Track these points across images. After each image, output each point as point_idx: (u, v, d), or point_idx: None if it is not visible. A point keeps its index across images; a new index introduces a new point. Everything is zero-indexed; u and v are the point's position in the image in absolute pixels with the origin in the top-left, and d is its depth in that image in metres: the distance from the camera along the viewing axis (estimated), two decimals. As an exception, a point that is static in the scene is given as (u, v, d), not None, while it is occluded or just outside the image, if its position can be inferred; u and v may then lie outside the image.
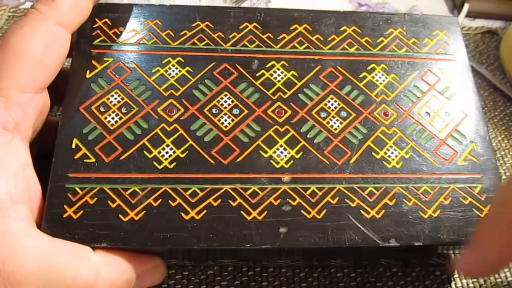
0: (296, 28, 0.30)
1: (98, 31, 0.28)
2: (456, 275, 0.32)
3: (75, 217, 0.23)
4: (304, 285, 0.30)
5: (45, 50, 0.24)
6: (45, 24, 0.25)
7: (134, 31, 0.29)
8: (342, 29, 0.30)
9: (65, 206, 0.24)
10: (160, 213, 0.24)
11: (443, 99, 0.28)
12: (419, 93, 0.28)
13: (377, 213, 0.25)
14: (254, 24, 0.30)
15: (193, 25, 0.29)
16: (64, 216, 0.23)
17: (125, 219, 0.24)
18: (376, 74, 0.29)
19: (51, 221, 0.23)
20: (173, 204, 0.24)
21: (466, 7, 0.45)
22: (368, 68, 0.29)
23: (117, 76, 0.27)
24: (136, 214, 0.24)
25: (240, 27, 0.30)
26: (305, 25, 0.30)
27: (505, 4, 0.45)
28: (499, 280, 0.32)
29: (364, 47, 0.30)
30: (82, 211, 0.24)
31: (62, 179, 0.24)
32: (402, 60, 0.29)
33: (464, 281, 0.32)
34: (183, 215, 0.24)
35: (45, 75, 0.25)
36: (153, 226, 0.24)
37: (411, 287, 0.31)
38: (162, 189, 0.24)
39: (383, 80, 0.29)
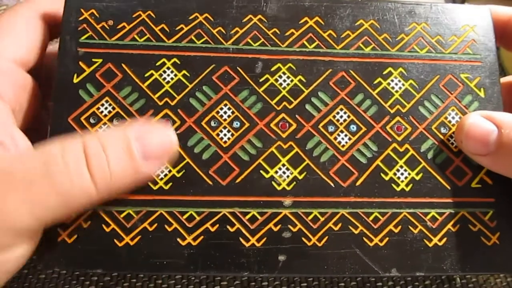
0: (306, 22, 0.27)
1: (85, 25, 0.25)
2: (455, 275, 0.32)
3: (69, 241, 0.23)
4: (304, 285, 0.30)
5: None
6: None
7: (124, 25, 0.26)
8: (358, 23, 0.27)
9: (59, 230, 0.23)
10: (156, 239, 0.23)
11: (464, 111, 0.26)
12: (438, 104, 0.26)
13: (380, 241, 0.24)
14: (259, 16, 0.26)
15: (191, 17, 0.26)
16: (59, 240, 0.23)
17: (120, 244, 0.23)
18: (392, 80, 0.26)
19: (45, 244, 0.23)
20: (169, 229, 0.23)
21: (466, 6, 0.40)
22: (384, 72, 0.26)
23: (107, 81, 0.25)
24: (132, 239, 0.23)
25: (243, 20, 0.26)
26: (317, 18, 0.27)
27: (505, 4, 0.41)
28: (498, 280, 0.32)
29: (381, 46, 0.26)
30: (76, 235, 0.23)
31: (54, 200, 0.23)
32: (423, 63, 0.26)
33: (464, 281, 0.32)
34: (179, 240, 0.23)
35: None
36: (149, 252, 0.23)
37: (411, 287, 0.31)
38: (158, 213, 0.24)
39: (400, 88, 0.26)
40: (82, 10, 0.26)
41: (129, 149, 0.21)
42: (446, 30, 0.27)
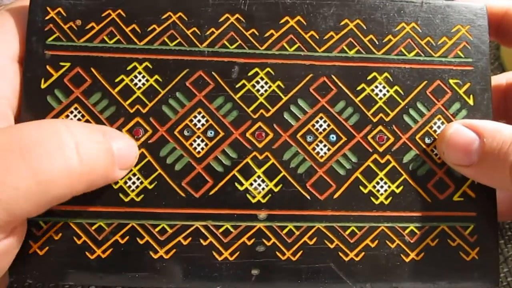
0: (287, 22, 0.25)
1: (51, 26, 0.24)
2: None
3: (40, 253, 0.23)
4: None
5: None
6: None
7: (93, 25, 0.24)
8: (343, 23, 0.25)
9: (30, 242, 0.23)
10: (128, 252, 0.23)
11: (451, 119, 0.25)
12: (424, 112, 0.25)
13: (356, 255, 0.23)
14: (237, 15, 0.25)
15: (163, 17, 0.24)
16: (30, 252, 0.23)
17: (92, 257, 0.23)
18: (376, 86, 0.25)
19: (17, 256, 0.23)
20: (141, 242, 0.23)
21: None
22: (368, 78, 0.25)
23: (76, 87, 0.24)
24: (103, 252, 0.23)
25: (220, 19, 0.25)
26: (299, 18, 0.25)
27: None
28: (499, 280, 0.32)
29: (366, 49, 0.25)
30: (47, 248, 0.23)
31: (24, 211, 0.23)
32: (410, 68, 0.25)
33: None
34: (151, 254, 0.23)
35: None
36: (121, 265, 0.23)
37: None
38: (129, 225, 0.23)
39: (384, 94, 0.25)
40: (49, 9, 0.24)
41: (106, 140, 0.21)
42: (437, 31, 0.25)
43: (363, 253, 0.23)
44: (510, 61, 0.37)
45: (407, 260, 0.24)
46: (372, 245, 0.24)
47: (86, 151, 0.20)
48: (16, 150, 0.18)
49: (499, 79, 0.30)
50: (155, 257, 0.23)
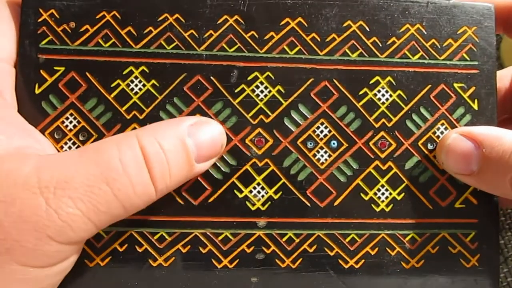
0: (288, 24, 0.24)
1: (44, 28, 0.23)
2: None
3: None
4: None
5: None
6: None
7: (87, 28, 0.23)
8: (345, 24, 0.24)
9: None
10: (127, 259, 0.23)
11: (454, 125, 0.24)
12: (427, 117, 0.24)
13: (356, 263, 0.23)
14: (236, 17, 0.24)
15: (160, 19, 0.24)
16: None
17: (91, 265, 0.23)
18: (379, 91, 0.24)
19: None
20: (140, 250, 0.23)
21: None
22: (371, 82, 0.24)
23: (71, 92, 0.23)
24: (102, 260, 0.23)
25: (219, 21, 0.24)
26: (300, 19, 0.24)
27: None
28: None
29: (369, 52, 0.24)
30: None
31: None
32: (414, 71, 0.24)
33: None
34: (150, 261, 0.23)
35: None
36: (120, 273, 0.23)
37: None
38: (128, 233, 0.23)
39: (387, 99, 0.24)
40: (41, 10, 0.23)
41: (185, 150, 0.21)
42: (442, 32, 0.24)
43: (363, 260, 0.23)
44: (510, 61, 0.36)
45: (407, 267, 0.23)
46: (372, 253, 0.23)
47: (161, 170, 0.20)
48: (97, 175, 0.19)
49: (504, 74, 0.30)
50: (154, 265, 0.23)
